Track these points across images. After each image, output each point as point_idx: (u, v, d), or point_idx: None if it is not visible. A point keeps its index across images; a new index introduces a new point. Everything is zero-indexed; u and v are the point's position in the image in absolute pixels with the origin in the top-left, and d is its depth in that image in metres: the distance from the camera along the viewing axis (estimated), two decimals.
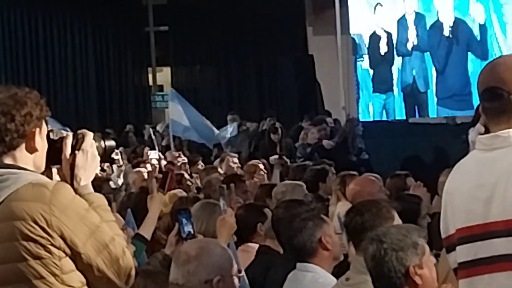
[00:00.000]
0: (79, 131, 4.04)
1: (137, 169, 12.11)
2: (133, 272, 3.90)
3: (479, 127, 13.47)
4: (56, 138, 3.95)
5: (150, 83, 22.56)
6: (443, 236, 3.84)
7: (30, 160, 3.87)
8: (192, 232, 6.11)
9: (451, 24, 19.62)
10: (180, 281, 4.31)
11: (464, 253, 3.68)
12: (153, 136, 16.74)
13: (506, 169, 3.55)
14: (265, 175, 12.11)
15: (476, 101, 17.39)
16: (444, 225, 3.82)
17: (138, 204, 8.04)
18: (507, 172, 3.53)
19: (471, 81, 18.88)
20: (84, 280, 3.79)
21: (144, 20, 22.30)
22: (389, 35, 21.48)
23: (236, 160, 14.05)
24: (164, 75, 22.56)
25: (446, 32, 19.78)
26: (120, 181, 10.54)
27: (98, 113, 20.58)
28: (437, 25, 20.06)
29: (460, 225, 3.68)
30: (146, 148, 15.16)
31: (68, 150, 3.95)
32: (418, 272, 4.48)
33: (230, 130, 15.57)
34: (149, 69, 22.52)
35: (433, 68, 20.19)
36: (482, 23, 19.00)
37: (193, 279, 4.29)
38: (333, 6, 22.38)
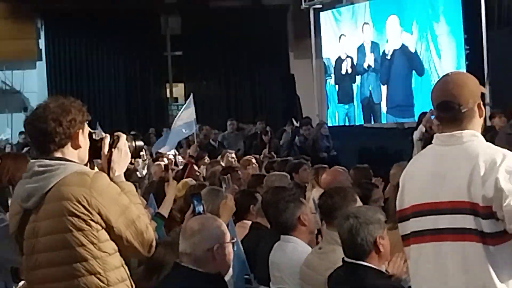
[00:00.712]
0: (115, 133, 4.16)
1: (157, 162, 12.17)
2: (154, 243, 4.02)
3: (421, 127, 13.57)
4: (97, 138, 4.05)
5: (168, 95, 22.45)
6: (398, 209, 3.90)
7: (75, 155, 3.98)
8: (202, 211, 6.28)
9: (398, 50, 19.69)
10: (188, 251, 4.36)
11: (415, 224, 3.75)
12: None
13: (456, 161, 3.64)
14: (257, 167, 12.13)
15: (417, 110, 17.68)
16: (400, 201, 3.87)
17: (158, 190, 8.08)
18: (456, 164, 3.62)
19: (414, 94, 19.11)
20: (116, 248, 3.89)
21: (163, 47, 22.30)
22: (351, 59, 21.44)
23: (233, 155, 14.08)
24: (178, 90, 22.46)
25: (394, 56, 19.88)
26: (144, 172, 10.55)
27: (127, 119, 20.59)
28: (388, 50, 20.12)
29: (415, 201, 3.75)
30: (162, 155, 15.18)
31: (106, 148, 4.06)
32: (382, 242, 4.58)
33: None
34: (167, 85, 22.46)
35: (386, 86, 20.25)
36: (421, 49, 19.02)
37: (198, 248, 4.34)
38: (309, 36, 22.43)
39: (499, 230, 3.46)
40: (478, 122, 3.72)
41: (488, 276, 3.50)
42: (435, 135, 3.84)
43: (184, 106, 14.16)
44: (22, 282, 4.38)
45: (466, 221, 3.54)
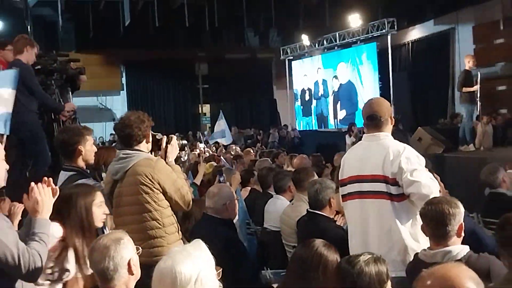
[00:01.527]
0: (170, 135, 4.29)
1: (193, 152, 12.30)
2: (191, 202, 4.09)
3: (352, 138, 13.59)
4: (159, 138, 4.16)
5: (200, 112, 22.34)
6: (340, 179, 3.99)
7: (145, 148, 4.07)
8: (223, 181, 6.65)
9: (344, 84, 19.65)
10: (211, 205, 4.41)
11: (350, 188, 3.85)
12: (201, 137, 16.71)
13: (375, 150, 3.72)
14: (253, 155, 12.15)
15: (358, 120, 17.62)
16: (341, 174, 3.98)
17: (194, 169, 8.10)
18: (375, 152, 3.71)
19: (354, 110, 18.94)
20: (168, 204, 3.97)
21: (197, 81, 22.36)
22: (310, 90, 21.44)
23: (238, 149, 14.25)
24: (206, 108, 22.41)
25: (341, 88, 19.83)
26: (186, 158, 10.51)
27: (175, 126, 20.39)
28: (335, 83, 20.07)
29: (349, 174, 3.87)
30: (197, 142, 15.17)
31: (164, 144, 4.17)
32: (333, 200, 4.57)
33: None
34: (199, 105, 22.34)
35: (332, 106, 20.27)
36: (355, 83, 19.01)
37: (217, 204, 4.39)
38: (285, 76, 22.42)
39: (400, 192, 3.58)
40: (389, 128, 3.82)
41: (394, 221, 3.59)
42: (363, 135, 4.01)
43: (218, 117, 14.28)
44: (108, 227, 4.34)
45: (380, 187, 3.64)
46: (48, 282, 3.08)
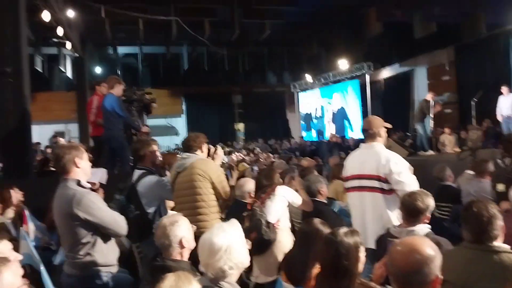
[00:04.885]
0: (217, 145, 4.23)
1: (229, 156, 12.20)
2: (229, 193, 3.97)
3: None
4: (210, 148, 4.10)
5: (236, 128, 22.22)
6: (344, 176, 3.83)
7: (200, 153, 3.96)
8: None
9: (339, 109, 19.35)
10: (238, 193, 4.23)
11: (351, 183, 3.70)
12: (236, 146, 16.77)
13: (371, 156, 3.56)
14: (272, 158, 11.98)
15: (347, 132, 17.68)
16: (344, 172, 3.80)
17: (231, 169, 7.99)
18: (371, 157, 3.55)
19: (345, 127, 18.60)
20: (213, 192, 3.82)
21: (233, 108, 22.10)
22: (310, 113, 21.18)
23: (264, 154, 14.00)
24: (241, 126, 22.22)
25: (336, 112, 19.46)
26: (226, 160, 10.50)
27: (219, 138, 20.16)
28: (330, 108, 19.79)
29: (351, 173, 3.71)
30: (233, 152, 15.09)
31: (212, 151, 4.08)
32: (323, 190, 4.43)
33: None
34: (235, 124, 22.22)
35: (327, 123, 20.03)
36: (345, 108, 18.79)
37: (243, 192, 4.20)
38: (294, 103, 22.31)
39: (390, 188, 3.45)
40: (381, 139, 3.68)
41: (384, 209, 3.47)
42: (361, 143, 3.80)
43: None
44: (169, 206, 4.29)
45: (375, 183, 3.51)
46: None
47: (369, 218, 3.57)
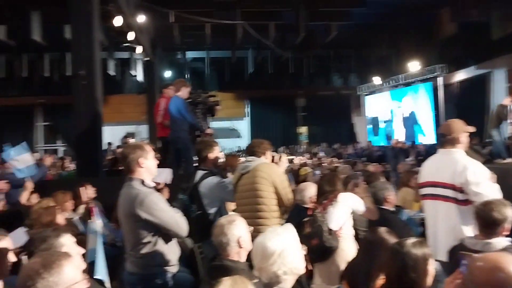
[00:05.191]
0: (281, 154, 4.21)
1: (292, 159, 12.09)
2: (291, 200, 3.89)
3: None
4: (274, 155, 4.05)
5: (298, 132, 21.97)
6: (419, 182, 3.67)
7: (264, 158, 3.91)
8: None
9: (408, 110, 18.76)
10: (298, 198, 4.20)
11: (426, 190, 3.52)
12: (299, 150, 16.66)
13: (447, 162, 3.39)
14: (335, 163, 11.67)
15: (417, 138, 17.10)
16: (419, 178, 3.64)
17: (293, 172, 7.89)
18: (447, 164, 3.37)
19: (415, 132, 17.98)
20: (276, 198, 3.74)
21: (296, 111, 21.89)
22: (377, 117, 20.64)
23: (331, 159, 13.65)
24: (304, 129, 21.87)
25: (404, 114, 18.86)
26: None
27: (282, 141, 20.04)
28: (399, 111, 19.19)
29: (426, 179, 3.54)
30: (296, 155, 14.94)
31: (276, 158, 4.00)
32: (389, 197, 4.23)
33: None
34: (298, 127, 21.98)
35: (397, 128, 19.38)
36: (415, 109, 18.12)
37: (304, 196, 4.09)
38: (360, 106, 21.83)
39: (466, 198, 3.23)
40: (461, 145, 3.46)
41: (458, 221, 3.26)
42: (438, 150, 3.59)
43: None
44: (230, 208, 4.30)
45: (449, 192, 3.30)
46: None
47: (441, 229, 3.34)
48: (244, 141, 19.95)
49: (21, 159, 5.48)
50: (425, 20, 14.40)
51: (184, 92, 6.77)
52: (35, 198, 5.08)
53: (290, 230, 2.26)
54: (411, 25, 15.43)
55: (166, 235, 2.97)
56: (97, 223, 4.26)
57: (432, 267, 2.09)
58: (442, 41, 15.14)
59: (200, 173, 4.03)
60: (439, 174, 3.38)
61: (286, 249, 2.15)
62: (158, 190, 3.15)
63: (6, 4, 10.25)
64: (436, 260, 2.20)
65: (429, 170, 3.51)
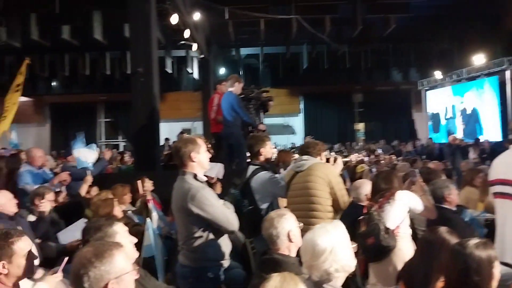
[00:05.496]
0: (335, 156, 4.17)
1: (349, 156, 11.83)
2: (347, 204, 3.82)
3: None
4: (329, 156, 4.10)
5: (355, 129, 21.49)
6: (489, 179, 3.40)
7: (319, 158, 3.89)
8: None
9: (471, 106, 17.90)
10: (354, 195, 4.04)
11: (495, 188, 3.25)
12: (355, 147, 16.33)
13: None
14: (394, 160, 11.28)
15: (478, 135, 16.25)
16: (489, 176, 3.37)
17: (349, 169, 7.67)
18: None
19: (476, 129, 17.15)
20: (331, 198, 3.70)
21: (353, 107, 21.45)
22: (438, 114, 19.87)
23: (387, 156, 13.26)
24: (361, 126, 21.35)
25: (467, 109, 18.03)
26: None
27: (338, 139, 19.70)
28: (462, 107, 18.34)
29: (496, 177, 3.26)
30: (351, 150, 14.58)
31: (332, 160, 3.97)
32: (450, 195, 4.03)
33: None
34: (354, 123, 21.50)
35: (459, 124, 18.53)
36: (479, 104, 17.25)
37: (360, 194, 4.03)
38: (421, 102, 21.14)
39: None
40: None
41: None
42: (509, 146, 3.35)
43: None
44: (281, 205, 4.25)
45: None
46: None
47: (509, 229, 3.12)
48: (298, 138, 19.83)
49: (85, 154, 5.65)
50: (490, 10, 13.61)
51: (237, 88, 6.80)
52: (95, 191, 5.27)
53: (339, 227, 2.21)
54: (475, 16, 14.66)
55: (217, 230, 2.99)
56: (153, 215, 4.39)
57: (498, 270, 1.95)
58: (510, 31, 14.28)
59: (251, 168, 4.01)
60: (508, 172, 3.17)
61: (337, 246, 2.10)
62: (210, 185, 3.17)
63: (69, 5, 10.73)
64: (503, 263, 2.04)
65: (499, 167, 3.29)
